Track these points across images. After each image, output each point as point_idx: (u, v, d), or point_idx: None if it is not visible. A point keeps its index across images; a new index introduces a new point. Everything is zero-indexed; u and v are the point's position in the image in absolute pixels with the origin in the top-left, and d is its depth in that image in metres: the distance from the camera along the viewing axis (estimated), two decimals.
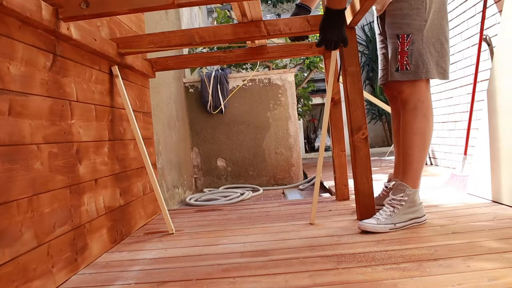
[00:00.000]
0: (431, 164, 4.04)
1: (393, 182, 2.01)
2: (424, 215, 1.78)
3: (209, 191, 3.77)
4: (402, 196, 1.72)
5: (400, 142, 1.87)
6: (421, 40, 1.70)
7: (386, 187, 2.09)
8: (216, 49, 4.32)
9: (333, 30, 1.65)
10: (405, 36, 1.70)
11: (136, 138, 2.07)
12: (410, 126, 1.74)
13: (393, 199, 1.74)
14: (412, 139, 1.73)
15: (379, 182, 3.19)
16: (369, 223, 1.70)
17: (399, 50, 1.72)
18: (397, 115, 2.00)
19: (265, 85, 4.06)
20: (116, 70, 2.05)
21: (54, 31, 1.47)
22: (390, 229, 1.68)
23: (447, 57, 1.76)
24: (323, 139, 1.98)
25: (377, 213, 1.75)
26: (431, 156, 4.05)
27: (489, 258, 1.28)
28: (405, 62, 1.71)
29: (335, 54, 2.06)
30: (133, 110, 2.11)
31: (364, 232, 1.70)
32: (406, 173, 1.76)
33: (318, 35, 1.83)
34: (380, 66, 2.00)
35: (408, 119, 1.75)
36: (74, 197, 1.57)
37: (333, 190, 2.75)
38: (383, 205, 1.82)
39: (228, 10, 4.76)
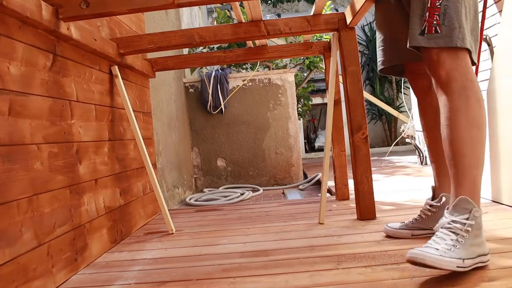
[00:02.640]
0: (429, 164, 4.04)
1: (444, 199, 1.51)
2: (488, 252, 1.22)
3: (209, 191, 3.77)
4: (467, 219, 1.18)
5: (437, 140, 1.41)
6: None
7: (431, 205, 1.54)
8: (216, 49, 4.32)
9: None
10: None
11: (136, 138, 2.07)
12: (460, 115, 1.22)
13: (454, 221, 1.19)
14: (465, 134, 1.22)
15: (379, 182, 3.19)
16: (427, 253, 1.13)
17: (428, 5, 1.25)
18: (426, 103, 1.55)
19: (265, 85, 4.06)
20: (116, 70, 2.05)
21: (54, 31, 1.47)
22: (457, 267, 1.12)
23: (478, 34, 1.32)
24: (327, 138, 1.98)
25: (432, 240, 1.20)
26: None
27: (488, 258, 1.27)
28: (434, 22, 1.24)
29: (336, 53, 2.07)
30: (133, 110, 2.11)
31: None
32: (461, 183, 1.23)
33: (318, 35, 1.83)
34: (378, 46, 1.61)
35: (455, 105, 1.23)
36: (74, 197, 1.57)
37: (333, 190, 2.75)
38: (428, 229, 1.49)
39: (228, 10, 4.76)
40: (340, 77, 2.45)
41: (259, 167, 4.07)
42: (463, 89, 1.23)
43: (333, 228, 1.84)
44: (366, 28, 7.78)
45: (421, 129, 1.60)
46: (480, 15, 1.35)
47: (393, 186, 2.96)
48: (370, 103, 7.05)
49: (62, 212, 1.47)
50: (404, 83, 6.64)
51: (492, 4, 2.59)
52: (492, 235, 1.51)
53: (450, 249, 1.15)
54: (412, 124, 4.34)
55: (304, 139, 7.67)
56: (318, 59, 4.76)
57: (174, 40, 2.14)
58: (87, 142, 1.72)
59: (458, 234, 1.18)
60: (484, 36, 2.65)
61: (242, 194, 3.34)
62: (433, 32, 1.24)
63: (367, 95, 5.22)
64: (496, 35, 2.43)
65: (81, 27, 1.66)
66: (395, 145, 6.34)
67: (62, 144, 1.52)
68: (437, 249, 1.14)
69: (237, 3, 2.04)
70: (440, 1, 1.24)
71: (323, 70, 3.73)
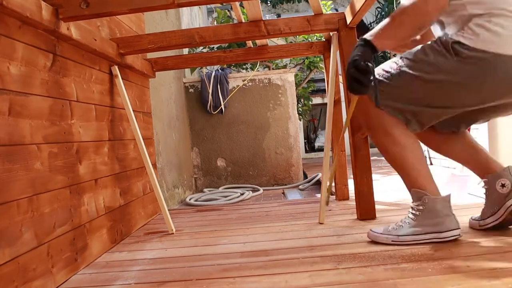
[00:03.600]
0: (431, 164, 4.04)
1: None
2: (452, 229, 1.42)
3: (209, 191, 3.77)
4: (418, 205, 1.47)
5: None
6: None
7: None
8: (216, 49, 4.32)
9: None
10: None
11: (136, 138, 2.07)
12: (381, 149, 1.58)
13: (411, 206, 1.50)
14: (390, 156, 1.55)
15: (378, 181, 3.19)
16: (374, 231, 1.55)
17: None
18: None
19: (265, 85, 4.06)
20: (116, 70, 2.05)
21: (54, 31, 1.47)
22: (392, 241, 1.48)
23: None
24: (327, 138, 1.98)
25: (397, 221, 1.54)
26: (431, 156, 4.05)
27: (489, 258, 1.27)
28: None
29: (335, 53, 2.07)
30: (133, 110, 2.11)
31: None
32: (410, 184, 1.51)
33: (318, 35, 1.83)
34: None
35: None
36: (74, 197, 1.57)
37: (333, 190, 2.75)
38: None
39: (228, 10, 4.76)
40: (340, 77, 2.45)
41: (259, 167, 4.07)
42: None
43: (333, 228, 1.84)
44: None
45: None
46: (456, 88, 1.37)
47: (392, 185, 2.96)
48: None
49: (62, 212, 1.47)
50: None
51: None
52: (491, 234, 1.51)
53: (396, 229, 1.49)
54: None
55: (304, 139, 7.67)
56: (318, 59, 4.75)
57: (174, 40, 2.14)
58: (87, 142, 1.72)
59: (409, 217, 1.49)
60: None
61: (242, 194, 3.34)
62: None
63: None
64: None
65: (81, 27, 1.66)
66: None
67: (62, 144, 1.52)
68: (389, 229, 1.50)
69: (237, 3, 2.04)
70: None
71: (323, 70, 3.72)
